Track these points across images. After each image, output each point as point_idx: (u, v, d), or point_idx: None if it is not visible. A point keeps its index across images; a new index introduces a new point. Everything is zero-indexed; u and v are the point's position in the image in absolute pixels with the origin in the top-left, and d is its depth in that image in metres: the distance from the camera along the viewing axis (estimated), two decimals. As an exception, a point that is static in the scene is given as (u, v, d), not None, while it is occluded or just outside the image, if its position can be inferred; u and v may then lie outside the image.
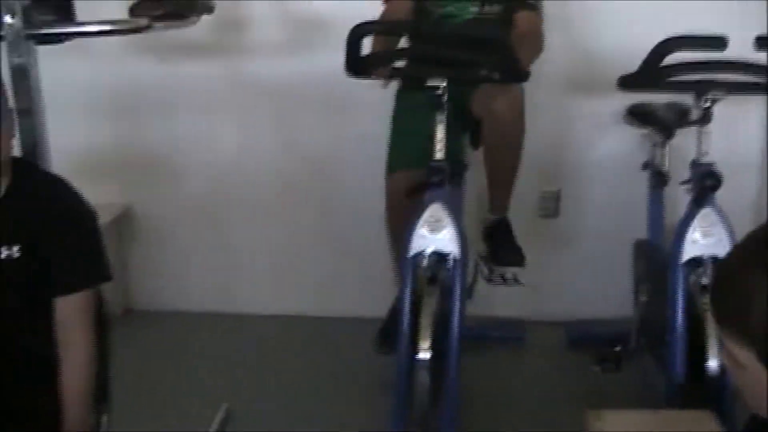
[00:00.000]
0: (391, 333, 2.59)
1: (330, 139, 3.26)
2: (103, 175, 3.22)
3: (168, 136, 3.29)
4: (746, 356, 0.99)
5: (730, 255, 1.03)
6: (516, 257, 2.81)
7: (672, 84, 2.33)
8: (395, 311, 2.63)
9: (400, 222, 2.57)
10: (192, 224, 3.39)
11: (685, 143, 2.67)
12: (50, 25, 1.97)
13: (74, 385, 1.65)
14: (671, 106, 2.74)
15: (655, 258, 2.77)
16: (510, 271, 2.85)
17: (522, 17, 2.70)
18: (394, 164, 2.71)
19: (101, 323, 1.76)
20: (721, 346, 1.09)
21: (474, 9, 2.73)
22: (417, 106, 2.53)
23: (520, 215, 2.86)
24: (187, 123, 3.27)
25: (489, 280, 2.87)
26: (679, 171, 2.58)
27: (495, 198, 2.82)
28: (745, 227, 2.54)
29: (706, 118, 2.30)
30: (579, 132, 3.20)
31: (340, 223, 3.32)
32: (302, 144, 3.27)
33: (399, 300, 2.30)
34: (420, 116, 2.46)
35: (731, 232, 2.25)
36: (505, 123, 2.59)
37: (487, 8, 2.73)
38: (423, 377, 2.19)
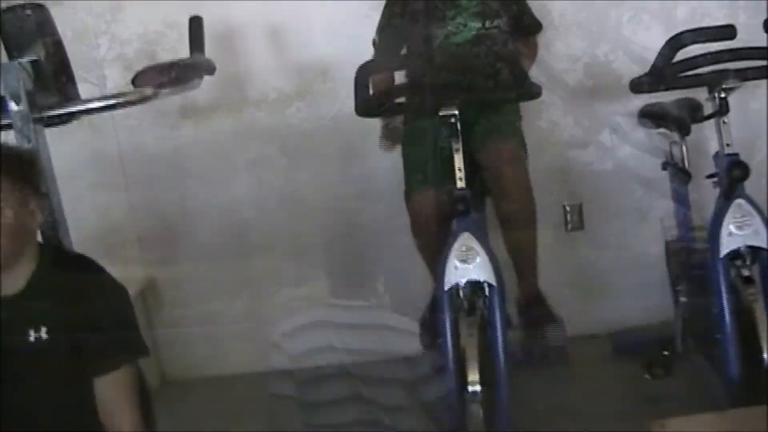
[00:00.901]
0: (430, 325, 2.59)
1: (343, 184, 3.23)
2: (122, 247, 3.21)
3: (182, 200, 3.26)
4: None
5: None
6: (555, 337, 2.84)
7: (685, 80, 2.30)
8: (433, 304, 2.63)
9: (429, 242, 2.63)
10: (215, 287, 3.35)
11: (697, 137, 2.65)
12: (56, 107, 1.95)
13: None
14: (683, 102, 2.70)
15: (690, 256, 2.72)
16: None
17: (532, 43, 2.88)
18: (411, 189, 2.73)
19: (143, 396, 1.73)
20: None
21: (476, 25, 2.72)
22: (425, 130, 2.52)
23: (547, 232, 2.82)
24: (199, 184, 3.24)
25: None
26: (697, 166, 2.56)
27: (523, 279, 2.84)
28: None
29: (723, 109, 2.26)
30: (593, 141, 3.16)
31: (361, 270, 3.28)
32: (316, 192, 3.24)
33: (441, 336, 2.26)
34: (429, 140, 2.45)
35: (766, 220, 2.20)
36: (515, 201, 2.67)
37: (489, 23, 2.72)
38: (476, 410, 2.15)
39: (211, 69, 2.30)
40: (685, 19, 2.84)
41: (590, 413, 2.72)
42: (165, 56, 2.53)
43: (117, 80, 2.84)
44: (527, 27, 2.84)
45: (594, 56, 3.03)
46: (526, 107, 2.85)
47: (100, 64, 2.89)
